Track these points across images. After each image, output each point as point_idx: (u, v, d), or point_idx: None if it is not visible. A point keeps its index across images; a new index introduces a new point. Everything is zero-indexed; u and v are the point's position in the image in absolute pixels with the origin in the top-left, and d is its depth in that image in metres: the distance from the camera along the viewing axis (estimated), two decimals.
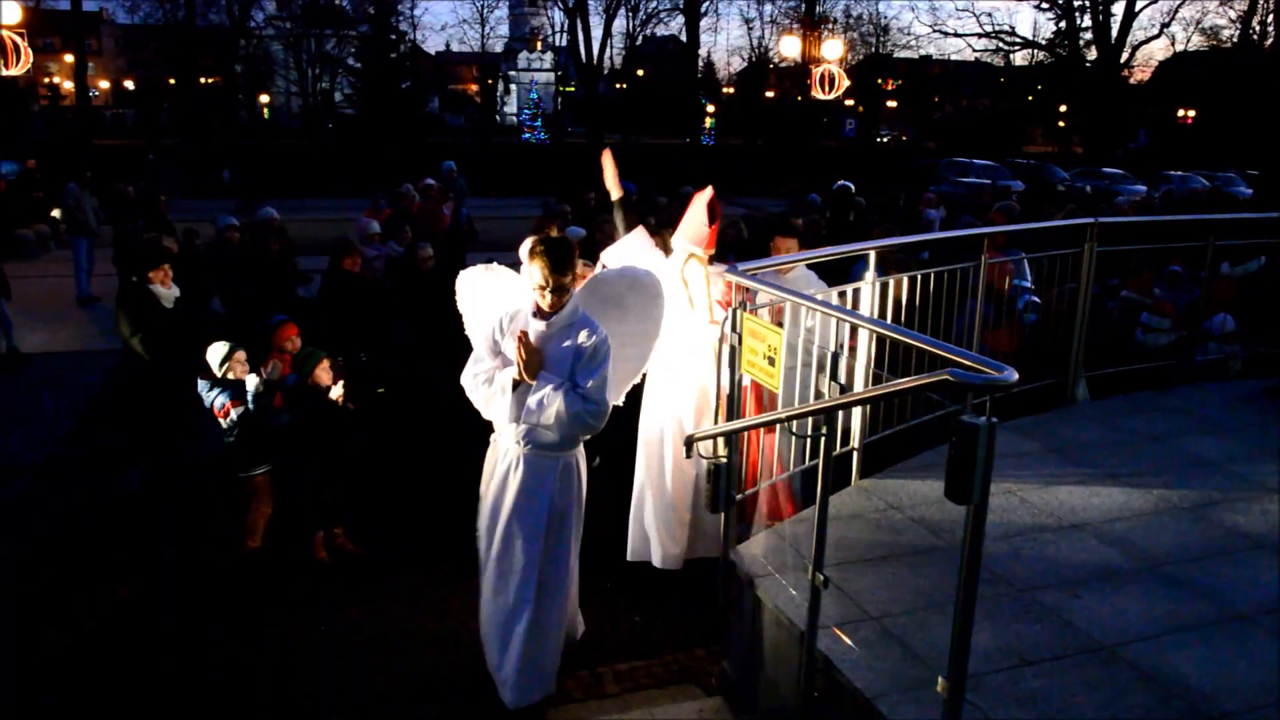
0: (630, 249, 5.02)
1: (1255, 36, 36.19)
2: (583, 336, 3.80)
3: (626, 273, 4.42)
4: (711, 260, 4.96)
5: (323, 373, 5.46)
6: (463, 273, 4.46)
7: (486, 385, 3.87)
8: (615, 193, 5.34)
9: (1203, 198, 17.22)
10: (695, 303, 4.88)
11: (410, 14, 44.45)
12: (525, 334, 3.76)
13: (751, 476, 4.49)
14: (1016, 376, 2.47)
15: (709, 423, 4.59)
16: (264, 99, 45.59)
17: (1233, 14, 37.18)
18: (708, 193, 4.83)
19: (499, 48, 52.23)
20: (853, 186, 11.64)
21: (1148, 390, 6.31)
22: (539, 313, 3.83)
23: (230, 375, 5.46)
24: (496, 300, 4.19)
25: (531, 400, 3.76)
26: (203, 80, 41.00)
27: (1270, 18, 35.18)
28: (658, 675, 4.35)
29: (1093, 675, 3.14)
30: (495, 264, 4.41)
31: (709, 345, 4.76)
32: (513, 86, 54.56)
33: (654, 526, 4.99)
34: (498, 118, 52.24)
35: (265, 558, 5.50)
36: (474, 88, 54.81)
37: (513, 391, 3.82)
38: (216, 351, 5.48)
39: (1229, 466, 5.00)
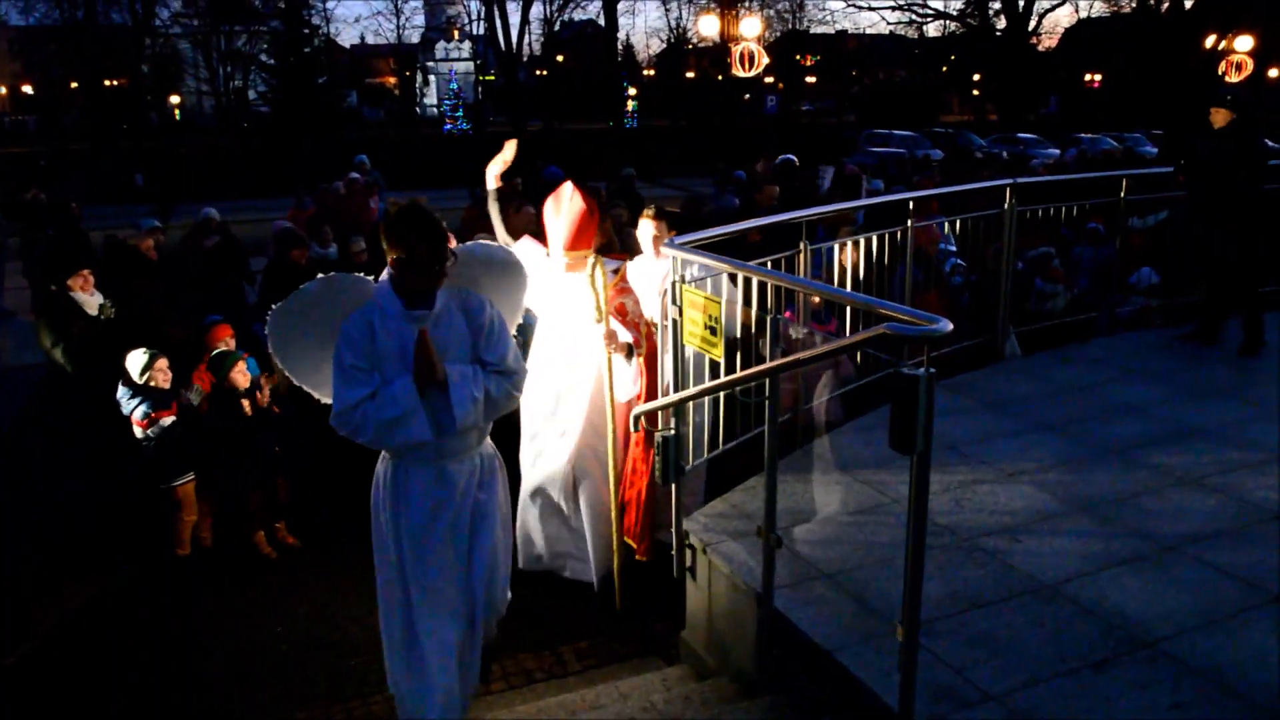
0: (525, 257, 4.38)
1: (1153, 3, 37.31)
2: (472, 312, 3.39)
3: (478, 250, 3.88)
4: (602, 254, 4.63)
5: (238, 375, 5.37)
6: (284, 304, 3.55)
7: (390, 406, 3.19)
8: (492, 183, 4.86)
9: (1117, 158, 17.75)
10: (600, 310, 4.47)
11: (323, 7, 43.65)
12: (425, 331, 3.24)
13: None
14: (950, 326, 2.56)
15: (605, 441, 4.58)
16: (174, 99, 44.27)
17: None
18: (567, 189, 4.49)
19: (415, 38, 51.46)
20: (796, 159, 11.78)
21: (1073, 343, 6.54)
22: (414, 303, 3.27)
23: (152, 384, 5.34)
24: (329, 314, 3.46)
25: (460, 399, 3.26)
26: (108, 82, 39.69)
27: None
28: (619, 651, 4.40)
29: (1037, 613, 3.27)
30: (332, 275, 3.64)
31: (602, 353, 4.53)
32: (431, 77, 53.76)
33: (538, 533, 4.90)
34: (418, 109, 51.50)
35: (210, 559, 5.43)
36: (392, 80, 53.96)
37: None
38: (136, 360, 5.35)
39: (1151, 410, 5.22)
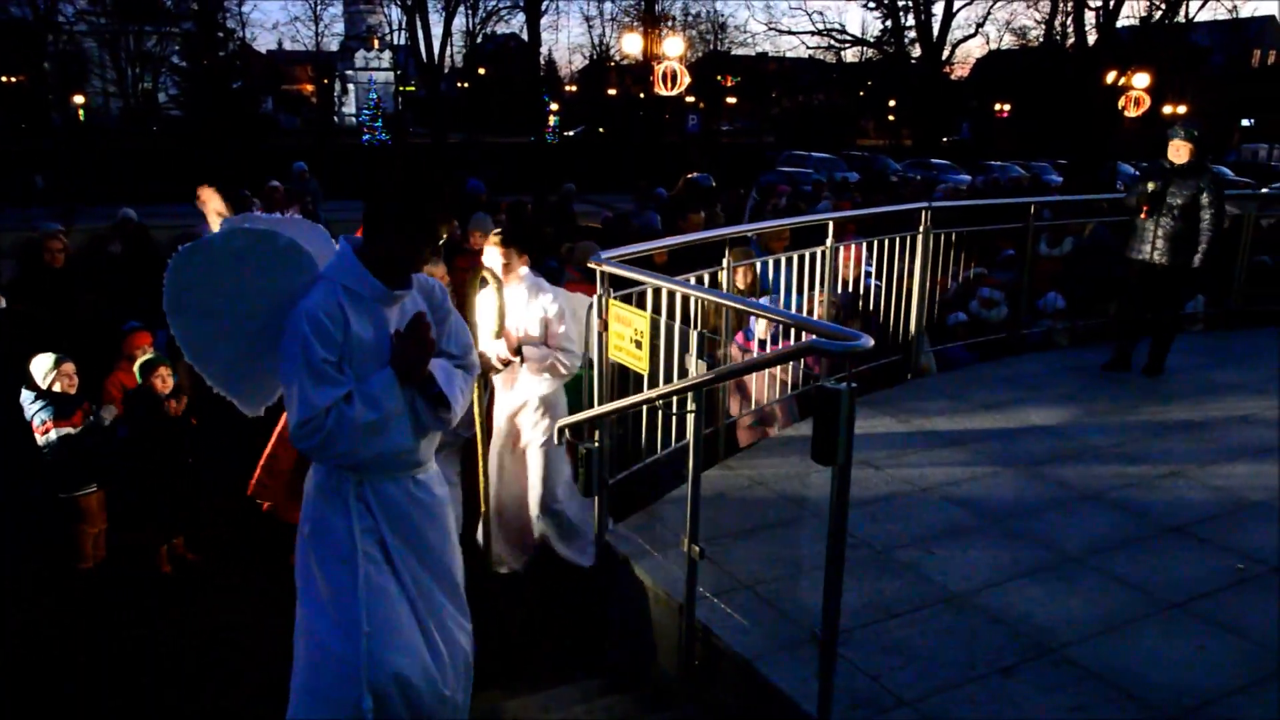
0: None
1: (1058, 37, 38.89)
2: (434, 297, 2.96)
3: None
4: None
5: (158, 381, 5.24)
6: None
7: (369, 409, 2.66)
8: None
9: (1025, 186, 18.52)
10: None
11: (238, 11, 42.57)
12: (423, 316, 2.78)
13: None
14: (871, 343, 2.65)
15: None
16: (79, 100, 42.74)
17: (1038, 16, 39.81)
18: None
19: (334, 46, 50.69)
20: (712, 179, 11.99)
21: (987, 362, 6.77)
22: (398, 281, 2.78)
23: (57, 388, 5.17)
24: (248, 286, 2.82)
25: (453, 395, 2.84)
26: (6, 79, 38.14)
27: (1070, 20, 37.91)
28: (540, 662, 4.39)
29: (949, 622, 3.39)
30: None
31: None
32: (350, 86, 53.05)
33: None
34: (336, 118, 50.70)
35: (108, 574, 5.26)
36: (309, 88, 53.02)
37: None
38: (41, 363, 5.17)
39: (1058, 428, 5.43)
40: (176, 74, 39.08)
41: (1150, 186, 6.14)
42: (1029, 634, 3.30)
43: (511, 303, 4.66)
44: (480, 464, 4.34)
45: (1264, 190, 9.34)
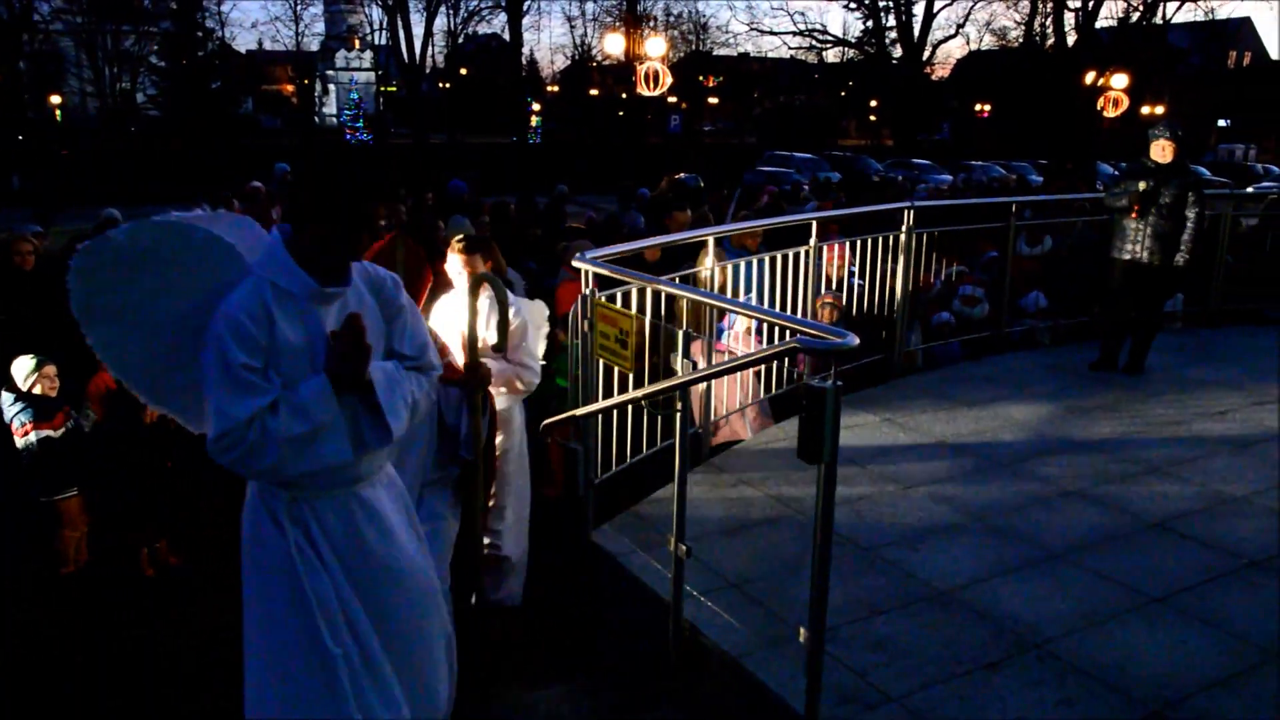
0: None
1: (1038, 38, 39.19)
2: (384, 291, 2.64)
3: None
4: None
5: None
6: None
7: (299, 418, 2.37)
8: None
9: (1012, 185, 18.72)
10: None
11: (217, 10, 42.24)
12: (359, 317, 2.46)
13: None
14: (857, 341, 2.67)
15: None
16: (55, 100, 42.31)
17: (1017, 17, 40.11)
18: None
19: (315, 46, 50.46)
20: (700, 179, 12.01)
21: (970, 361, 6.82)
22: (331, 278, 2.48)
23: (38, 390, 5.13)
24: (161, 288, 2.51)
25: (392, 405, 2.52)
26: None
27: (1049, 21, 38.23)
28: (527, 663, 4.39)
29: (934, 618, 3.41)
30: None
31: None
32: (331, 86, 52.82)
33: None
34: (317, 118, 50.46)
35: (91, 578, 5.23)
36: (290, 88, 52.74)
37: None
38: (22, 365, 5.13)
39: (1039, 426, 5.48)
40: (155, 74, 38.74)
41: (1142, 186, 6.17)
42: (1013, 629, 3.32)
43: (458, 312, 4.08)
44: (478, 496, 3.76)
45: (1249, 190, 9.44)
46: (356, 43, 51.12)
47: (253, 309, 2.37)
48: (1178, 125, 6.43)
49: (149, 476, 5.25)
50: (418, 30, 41.19)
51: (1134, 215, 6.21)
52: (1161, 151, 6.23)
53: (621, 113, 40.04)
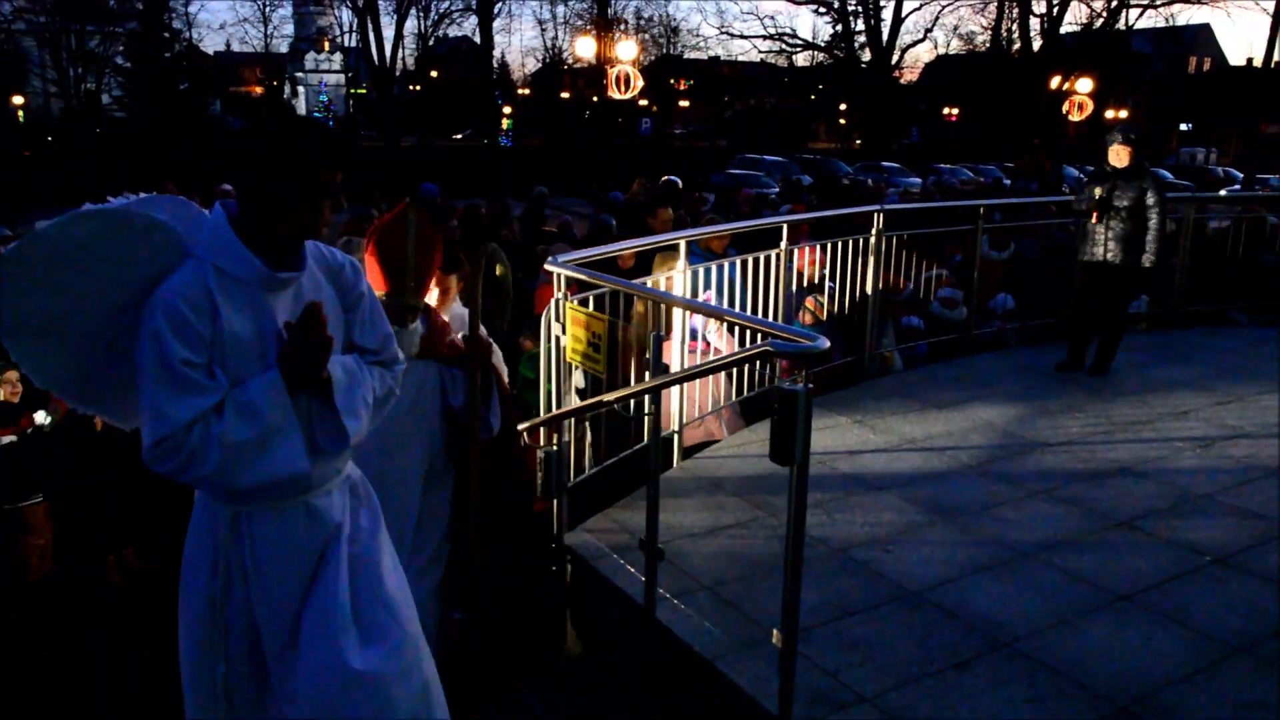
0: None
1: (1004, 43, 39.65)
2: (341, 277, 2.36)
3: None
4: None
5: None
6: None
7: (246, 424, 2.10)
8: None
9: (988, 187, 18.97)
10: None
11: (185, 11, 41.85)
12: (319, 306, 2.16)
13: None
14: (828, 344, 2.69)
15: None
16: (18, 100, 41.69)
17: (984, 21, 40.58)
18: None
19: (284, 48, 50.09)
20: (679, 181, 12.01)
21: (940, 363, 6.89)
22: (281, 260, 2.21)
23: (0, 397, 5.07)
24: (95, 278, 2.18)
25: (349, 406, 2.25)
26: None
27: (1015, 26, 38.70)
28: (500, 666, 4.38)
29: (905, 618, 3.44)
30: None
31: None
32: (301, 88, 52.43)
33: None
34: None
35: (57, 585, 5.15)
36: (259, 90, 52.29)
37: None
38: None
39: (1008, 427, 5.54)
40: (120, 75, 38.29)
41: (1098, 191, 6.33)
42: (983, 628, 3.36)
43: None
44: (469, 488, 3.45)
45: (1222, 193, 9.59)
46: (326, 45, 50.80)
47: (193, 296, 2.09)
48: (1132, 130, 6.59)
49: (113, 481, 5.18)
50: (388, 33, 40.92)
51: (1094, 219, 6.34)
52: (1117, 156, 6.38)
53: (588, 114, 40.05)
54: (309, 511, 2.30)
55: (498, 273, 3.43)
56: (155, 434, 2.07)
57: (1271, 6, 34.06)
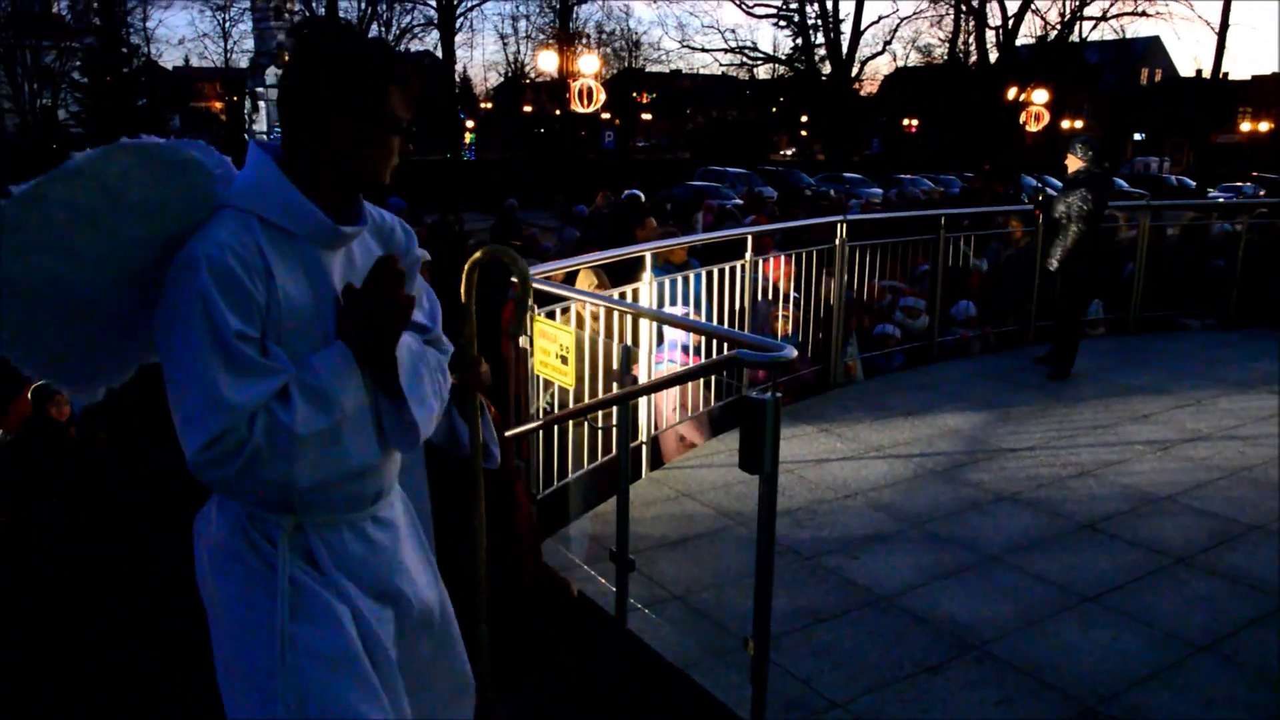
0: None
1: (961, 56, 40.23)
2: (392, 239, 1.97)
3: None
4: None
5: (53, 409, 5.06)
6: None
7: (319, 413, 1.67)
8: None
9: (956, 197, 19.27)
10: None
11: (143, 27, 41.29)
12: (394, 259, 1.78)
13: None
14: (795, 353, 2.71)
15: None
16: None
17: (941, 34, 41.13)
18: None
19: (244, 63, 49.65)
20: (641, 195, 12.03)
21: (905, 370, 6.96)
22: (346, 214, 1.82)
23: None
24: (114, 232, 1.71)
25: (416, 391, 1.84)
26: None
27: (972, 38, 39.29)
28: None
29: (875, 624, 3.46)
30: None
31: None
32: (261, 104, 51.99)
33: None
34: (247, 136, 49.58)
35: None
36: (218, 105, 51.79)
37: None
38: None
39: (973, 433, 5.60)
40: (77, 90, 37.74)
41: (1040, 198, 6.77)
42: (953, 632, 3.38)
43: None
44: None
45: (1200, 201, 9.77)
46: (287, 59, 50.41)
47: (244, 253, 1.66)
48: (1085, 139, 6.89)
49: (73, 504, 5.09)
50: None
51: (1037, 214, 6.86)
52: (1066, 165, 6.66)
53: (543, 130, 40.08)
54: (376, 523, 1.90)
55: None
56: (211, 429, 1.59)
57: (1217, 20, 34.89)
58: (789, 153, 49.44)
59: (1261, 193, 24.22)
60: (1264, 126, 44.23)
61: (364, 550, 1.86)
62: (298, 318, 1.73)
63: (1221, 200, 15.36)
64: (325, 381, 1.69)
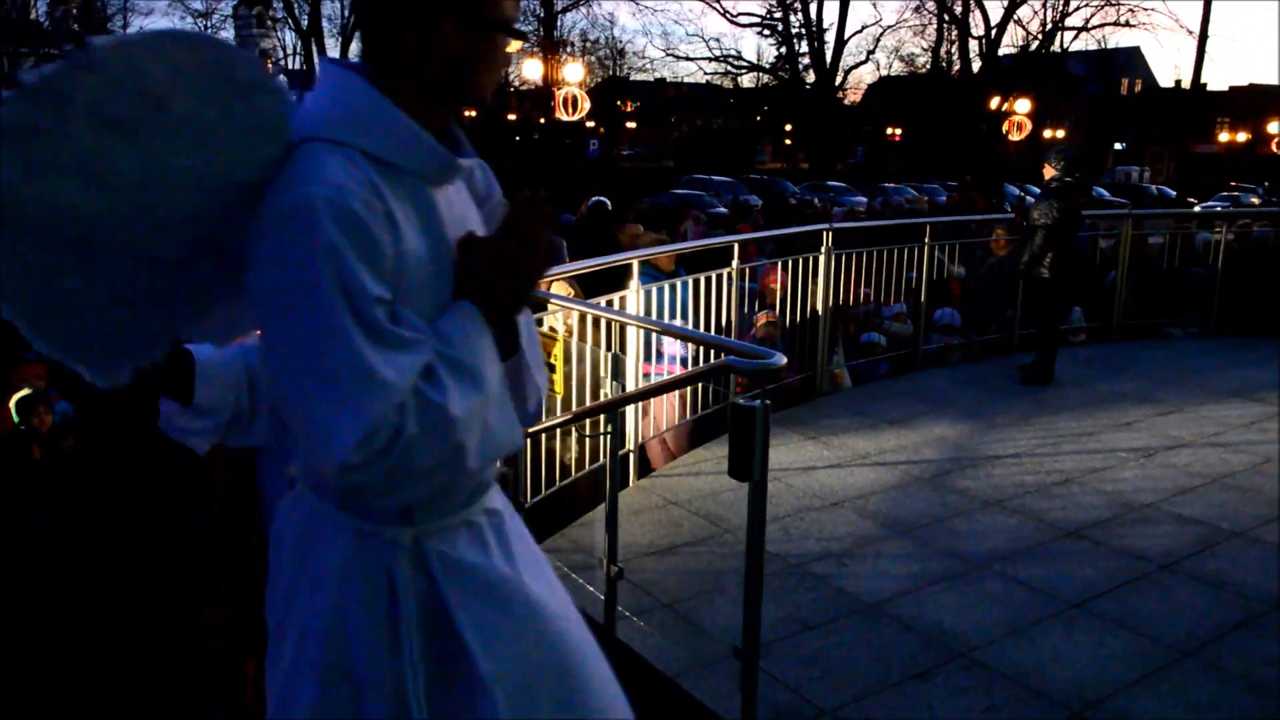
0: None
1: (944, 65, 40.52)
2: (480, 182, 1.68)
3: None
4: None
5: (36, 420, 5.01)
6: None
7: (467, 390, 1.36)
8: None
9: (942, 206, 19.39)
10: None
11: (123, 33, 41.07)
12: (539, 197, 1.49)
13: None
14: (785, 360, 2.72)
15: None
16: None
17: (924, 44, 41.42)
18: None
19: None
20: (608, 202, 12.04)
21: (890, 378, 6.99)
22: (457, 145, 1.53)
23: None
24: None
25: (537, 360, 1.64)
26: None
27: (955, 48, 39.59)
28: None
29: (863, 631, 3.47)
30: None
31: None
32: None
33: None
34: None
35: None
36: None
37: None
38: None
39: (957, 440, 5.62)
40: None
41: (1022, 206, 6.80)
42: (940, 639, 3.40)
43: None
44: None
45: (1181, 210, 9.87)
46: (269, 67, 50.26)
47: (366, 196, 1.33)
48: (1061, 149, 7.09)
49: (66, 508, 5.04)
50: (332, 55, 40.65)
51: (1018, 221, 7.00)
52: (1044, 174, 6.83)
53: (519, 138, 40.13)
54: (490, 517, 1.57)
55: None
56: (370, 417, 1.27)
57: (1196, 29, 35.27)
58: (776, 166, 49.60)
59: (1254, 200, 24.47)
60: (1241, 136, 44.77)
61: (479, 558, 1.52)
62: (418, 273, 1.41)
63: (1199, 209, 15.52)
64: (462, 352, 1.39)
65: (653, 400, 5.15)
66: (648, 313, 5.16)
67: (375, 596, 1.45)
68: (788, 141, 50.66)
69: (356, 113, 1.39)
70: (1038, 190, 7.50)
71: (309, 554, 1.50)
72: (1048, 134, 36.65)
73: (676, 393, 5.35)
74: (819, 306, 6.41)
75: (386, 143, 1.39)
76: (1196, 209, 14.42)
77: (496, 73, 1.51)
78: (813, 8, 38.48)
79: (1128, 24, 35.75)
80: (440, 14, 1.39)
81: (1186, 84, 39.08)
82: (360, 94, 1.40)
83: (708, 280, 5.63)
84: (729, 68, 42.01)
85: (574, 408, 4.28)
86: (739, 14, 39.11)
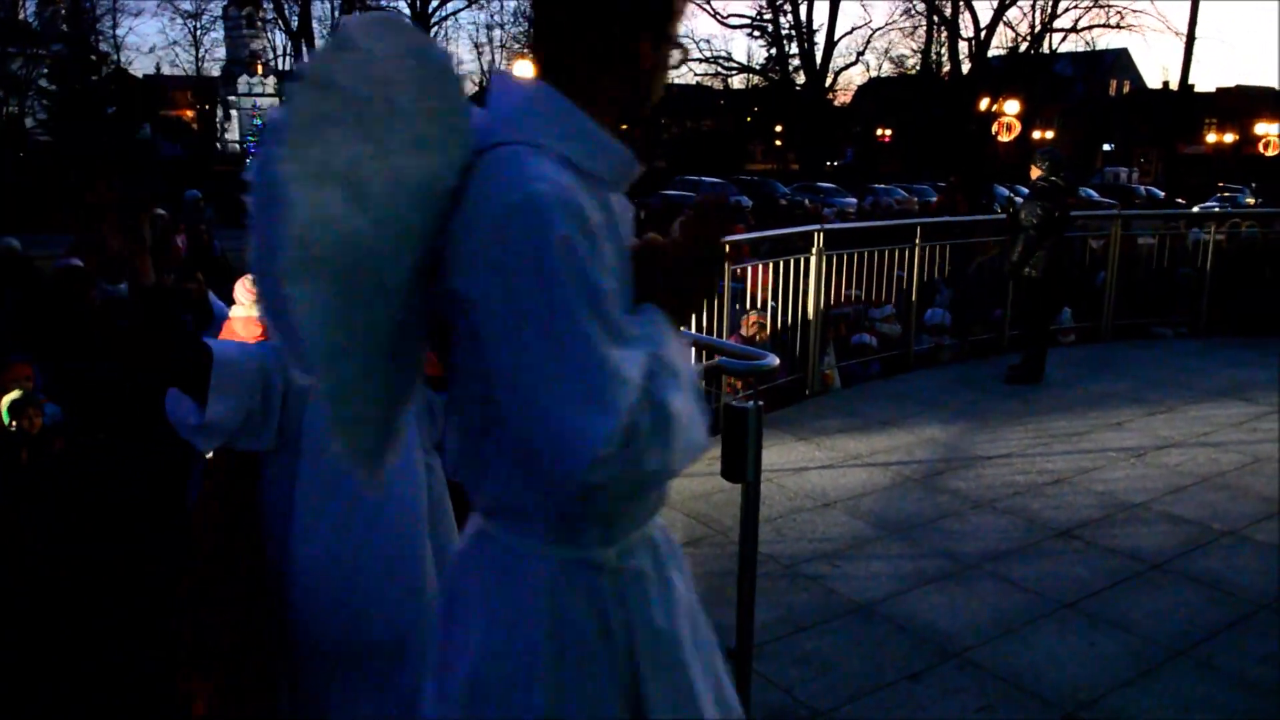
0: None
1: (934, 66, 40.60)
2: None
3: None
4: None
5: (26, 422, 4.98)
6: None
7: (678, 386, 1.31)
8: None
9: (934, 207, 19.43)
10: None
11: (112, 34, 40.95)
12: (724, 195, 1.37)
13: None
14: (777, 361, 2.72)
15: None
16: None
17: (914, 46, 41.50)
18: None
19: (216, 71, 49.32)
20: None
21: (882, 379, 7.00)
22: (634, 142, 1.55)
23: None
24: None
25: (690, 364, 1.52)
26: None
27: (944, 50, 39.69)
28: None
29: (856, 632, 3.47)
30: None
31: None
32: (233, 112, 51.58)
33: None
34: (219, 144, 49.20)
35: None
36: (190, 113, 51.37)
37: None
38: None
39: (949, 440, 5.63)
40: (45, 98, 37.32)
41: (1010, 208, 6.93)
42: (933, 640, 3.40)
43: None
44: None
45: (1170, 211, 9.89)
46: (259, 68, 50.07)
47: (585, 200, 1.32)
48: (1045, 150, 7.12)
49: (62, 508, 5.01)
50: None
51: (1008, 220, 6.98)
52: (1031, 175, 6.88)
53: None
54: (665, 537, 1.56)
55: None
56: (617, 416, 1.21)
57: (1184, 30, 35.42)
58: (766, 167, 49.67)
59: (1250, 201, 24.58)
60: (1229, 138, 45.00)
61: (652, 568, 1.49)
62: (617, 276, 1.36)
63: (1197, 210, 15.58)
64: (664, 350, 1.34)
65: None
66: None
67: (587, 626, 1.41)
68: (778, 143, 50.72)
69: (551, 118, 1.38)
70: (1027, 191, 7.53)
71: (506, 593, 1.42)
72: (1036, 135, 36.77)
73: None
74: (810, 308, 6.42)
75: (581, 147, 1.38)
76: (1195, 210, 14.45)
77: (663, 84, 1.52)
78: (803, 9, 38.53)
79: (1118, 26, 35.86)
80: (638, 32, 1.40)
81: (1174, 85, 39.26)
82: (555, 102, 1.39)
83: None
84: (719, 69, 42.04)
85: None
86: (729, 15, 39.28)
